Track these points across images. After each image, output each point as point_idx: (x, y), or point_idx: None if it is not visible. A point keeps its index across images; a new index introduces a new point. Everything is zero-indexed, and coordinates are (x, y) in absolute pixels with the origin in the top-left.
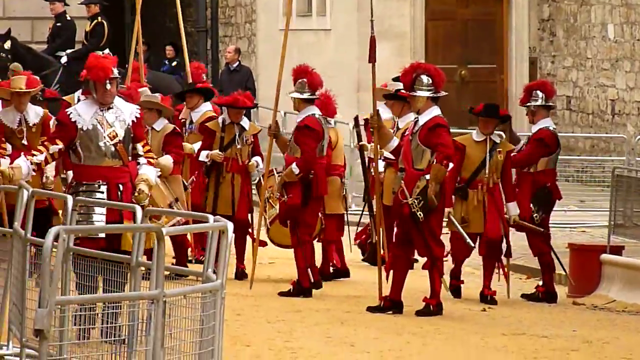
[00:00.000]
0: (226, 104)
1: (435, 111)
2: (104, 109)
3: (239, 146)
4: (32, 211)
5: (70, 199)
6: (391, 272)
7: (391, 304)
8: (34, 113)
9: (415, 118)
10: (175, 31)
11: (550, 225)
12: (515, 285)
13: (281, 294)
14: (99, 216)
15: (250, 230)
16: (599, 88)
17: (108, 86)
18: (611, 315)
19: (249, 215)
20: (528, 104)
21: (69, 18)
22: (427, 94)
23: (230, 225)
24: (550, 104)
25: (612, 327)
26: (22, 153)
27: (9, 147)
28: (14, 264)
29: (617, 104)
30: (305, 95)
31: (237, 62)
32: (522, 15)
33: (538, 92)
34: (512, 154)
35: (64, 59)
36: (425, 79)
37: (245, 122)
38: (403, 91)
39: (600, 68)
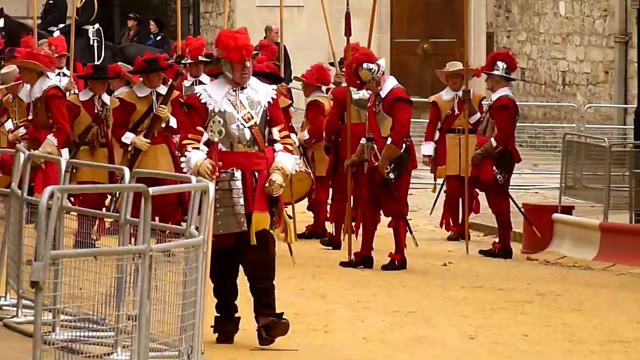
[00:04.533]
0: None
1: (391, 82)
2: (237, 89)
3: None
4: (28, 172)
5: (63, 161)
6: (360, 230)
7: (362, 260)
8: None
9: (377, 92)
10: (160, 8)
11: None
12: (473, 241)
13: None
14: (239, 207)
15: None
16: (551, 60)
17: (248, 64)
18: (562, 269)
19: None
20: (490, 72)
21: None
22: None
23: (211, 186)
24: (512, 76)
25: (563, 280)
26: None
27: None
28: (12, 221)
29: (568, 75)
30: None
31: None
32: None
33: (501, 63)
34: (477, 131)
35: (56, 34)
36: (366, 66)
37: None
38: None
39: (552, 42)
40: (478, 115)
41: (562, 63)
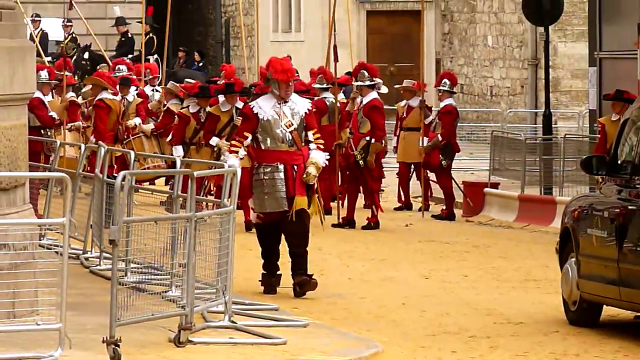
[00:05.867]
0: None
1: (373, 95)
2: (281, 103)
3: None
4: (107, 161)
5: (132, 154)
6: (346, 201)
7: (347, 222)
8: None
9: (361, 99)
10: (201, 42)
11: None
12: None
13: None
14: (281, 193)
15: None
16: (482, 78)
17: (291, 84)
18: (491, 228)
19: None
20: (439, 87)
21: (129, 35)
22: (367, 83)
23: (238, 170)
24: (453, 90)
25: (492, 236)
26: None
27: None
28: (96, 198)
29: (494, 89)
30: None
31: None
32: (431, 30)
33: (446, 80)
34: (430, 129)
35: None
36: (365, 73)
37: None
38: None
39: (482, 65)
40: (431, 117)
41: (490, 80)
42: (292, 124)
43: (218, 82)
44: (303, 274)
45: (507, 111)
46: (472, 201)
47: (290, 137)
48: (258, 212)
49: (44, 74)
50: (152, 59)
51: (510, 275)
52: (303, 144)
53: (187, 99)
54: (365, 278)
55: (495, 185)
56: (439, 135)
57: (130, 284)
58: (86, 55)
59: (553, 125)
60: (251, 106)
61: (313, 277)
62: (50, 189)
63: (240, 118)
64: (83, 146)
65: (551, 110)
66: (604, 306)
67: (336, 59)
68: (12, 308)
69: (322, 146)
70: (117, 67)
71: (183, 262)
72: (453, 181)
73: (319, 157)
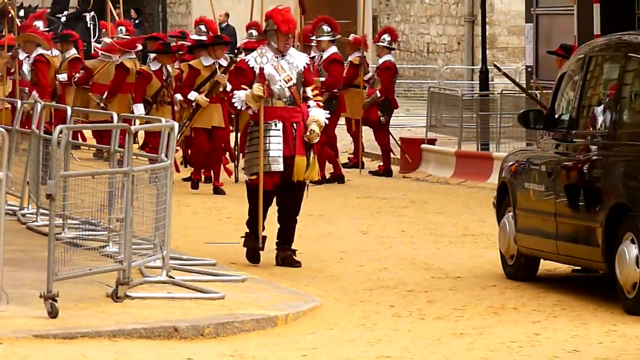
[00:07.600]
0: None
1: (333, 49)
2: (279, 56)
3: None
4: (44, 116)
5: (69, 109)
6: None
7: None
8: None
9: (320, 53)
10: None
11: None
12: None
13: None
14: (277, 152)
15: None
16: (419, 35)
17: (290, 36)
18: (428, 184)
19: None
20: (378, 43)
21: None
22: (328, 38)
23: (176, 125)
24: (392, 46)
25: (430, 192)
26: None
27: None
28: (32, 154)
29: (431, 45)
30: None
31: (226, 23)
32: None
33: (385, 36)
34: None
35: (63, 19)
36: (325, 28)
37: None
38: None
39: (419, 22)
40: (370, 74)
41: (427, 37)
42: (292, 79)
43: (189, 38)
44: (288, 248)
45: (444, 68)
46: (410, 157)
47: (289, 93)
48: (250, 174)
49: None
50: (88, 16)
51: (447, 230)
52: (301, 100)
53: (121, 55)
54: (303, 233)
55: (432, 142)
56: (377, 92)
57: (67, 239)
58: (22, 13)
59: (490, 82)
60: (246, 60)
61: (296, 253)
62: None
63: (223, 75)
64: (19, 102)
65: (488, 67)
66: (541, 260)
67: (303, 12)
68: None
69: (321, 103)
70: (119, 28)
71: (120, 217)
72: (391, 137)
73: (320, 115)
